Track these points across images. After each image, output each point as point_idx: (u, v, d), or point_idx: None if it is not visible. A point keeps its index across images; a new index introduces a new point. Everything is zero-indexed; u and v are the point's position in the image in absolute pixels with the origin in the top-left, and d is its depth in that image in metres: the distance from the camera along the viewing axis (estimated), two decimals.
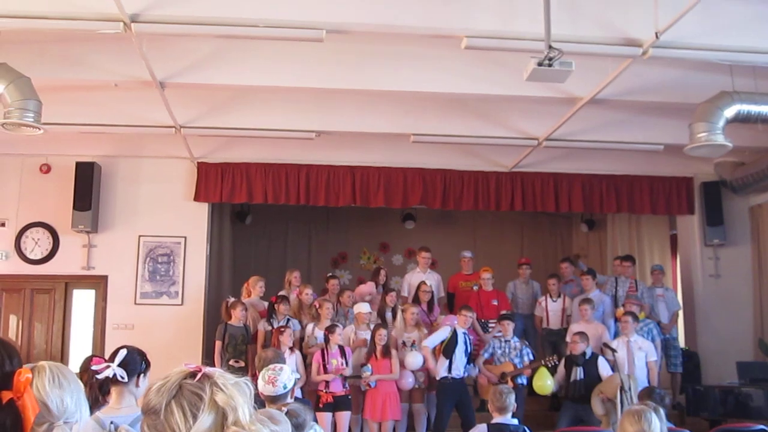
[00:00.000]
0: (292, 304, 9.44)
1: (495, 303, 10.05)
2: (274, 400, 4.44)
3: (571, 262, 11.34)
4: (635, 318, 9.09)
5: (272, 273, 11.58)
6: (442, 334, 8.74)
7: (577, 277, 10.90)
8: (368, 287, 10.02)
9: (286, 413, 3.71)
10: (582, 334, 8.85)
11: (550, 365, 8.77)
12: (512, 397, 6.00)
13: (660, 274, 10.72)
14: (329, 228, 13.76)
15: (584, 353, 8.72)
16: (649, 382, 8.67)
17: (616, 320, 9.70)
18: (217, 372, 1.77)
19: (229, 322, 8.88)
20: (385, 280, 10.30)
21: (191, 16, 6.10)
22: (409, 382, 8.73)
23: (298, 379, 4.87)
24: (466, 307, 9.04)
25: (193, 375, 1.76)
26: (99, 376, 3.52)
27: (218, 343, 8.77)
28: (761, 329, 10.49)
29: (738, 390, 9.18)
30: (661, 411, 3.93)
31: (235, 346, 8.74)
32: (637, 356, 8.83)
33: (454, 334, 8.70)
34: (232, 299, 9.29)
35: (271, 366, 4.69)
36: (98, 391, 3.58)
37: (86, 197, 9.92)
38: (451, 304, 10.51)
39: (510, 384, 8.42)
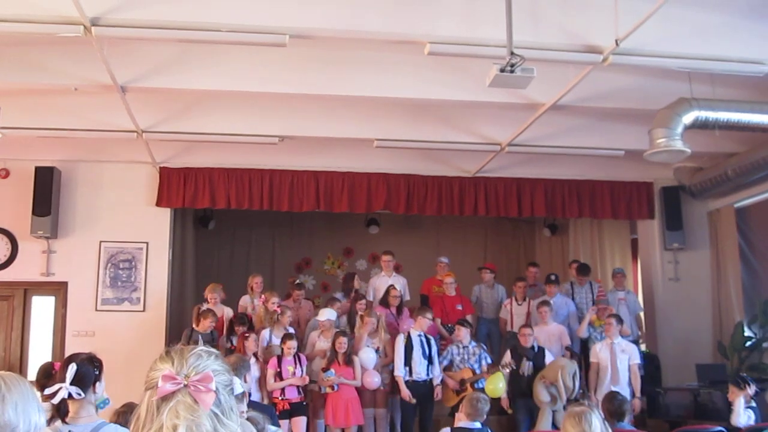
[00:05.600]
0: (258, 312, 9.36)
1: (459, 308, 10.07)
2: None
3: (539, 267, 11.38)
4: (619, 320, 9.04)
5: (236, 278, 11.49)
6: (400, 348, 8.73)
7: (540, 283, 10.94)
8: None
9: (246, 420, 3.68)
10: (530, 326, 9.03)
11: (505, 372, 8.78)
12: (487, 407, 6.05)
13: (622, 277, 10.77)
14: (293, 233, 13.69)
15: (533, 346, 8.83)
16: (631, 385, 8.68)
17: (589, 324, 9.68)
18: None
19: (196, 329, 8.81)
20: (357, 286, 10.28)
21: (153, 19, 6.04)
22: (375, 381, 8.70)
23: (242, 394, 4.68)
24: (423, 310, 9.07)
25: None
26: (54, 401, 3.22)
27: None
28: (720, 332, 10.63)
29: (697, 392, 9.32)
30: (597, 411, 3.96)
31: None
32: (620, 359, 8.76)
33: (408, 338, 8.71)
34: (205, 306, 9.18)
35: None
36: (57, 414, 3.24)
37: (46, 202, 9.76)
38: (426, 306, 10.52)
39: (470, 390, 8.46)
